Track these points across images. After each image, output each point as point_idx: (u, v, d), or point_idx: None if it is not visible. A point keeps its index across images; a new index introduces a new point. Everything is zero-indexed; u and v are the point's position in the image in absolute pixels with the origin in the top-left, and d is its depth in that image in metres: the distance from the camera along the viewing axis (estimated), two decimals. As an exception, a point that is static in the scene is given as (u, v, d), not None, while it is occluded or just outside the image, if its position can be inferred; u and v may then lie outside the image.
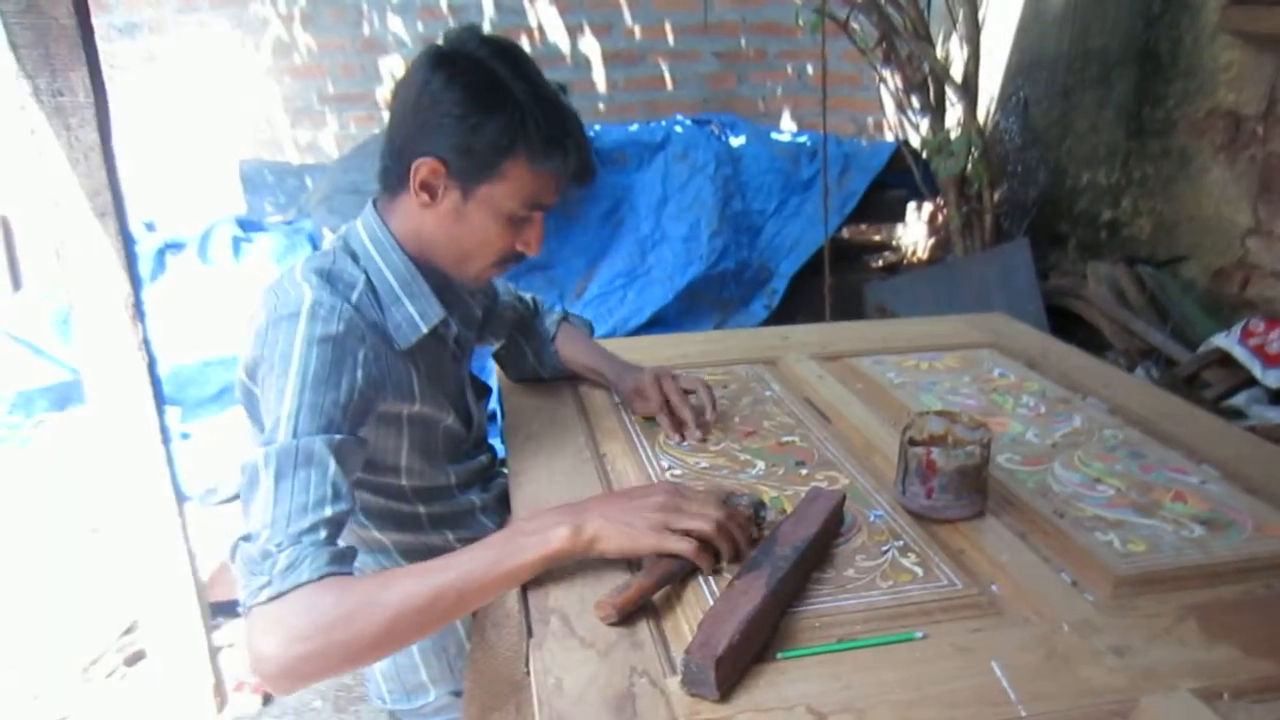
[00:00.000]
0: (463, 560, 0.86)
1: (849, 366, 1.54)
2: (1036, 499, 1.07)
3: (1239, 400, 2.38)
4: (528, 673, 0.85)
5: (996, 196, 3.40)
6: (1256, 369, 2.34)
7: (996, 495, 1.09)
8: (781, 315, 3.16)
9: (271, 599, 0.81)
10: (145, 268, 2.73)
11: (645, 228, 3.13)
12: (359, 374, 0.97)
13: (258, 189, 3.76)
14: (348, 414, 0.95)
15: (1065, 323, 2.95)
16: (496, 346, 1.47)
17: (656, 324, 2.95)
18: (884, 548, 0.98)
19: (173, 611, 1.81)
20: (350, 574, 0.87)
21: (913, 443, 1.08)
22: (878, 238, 4.36)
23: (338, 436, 0.92)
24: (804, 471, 1.15)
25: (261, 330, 0.97)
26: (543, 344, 1.44)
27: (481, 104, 1.00)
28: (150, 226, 3.18)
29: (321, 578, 0.83)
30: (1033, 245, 3.06)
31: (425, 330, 1.10)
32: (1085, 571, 0.95)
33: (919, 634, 0.85)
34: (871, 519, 1.03)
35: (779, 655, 0.81)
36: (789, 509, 1.02)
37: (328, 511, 0.87)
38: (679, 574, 0.90)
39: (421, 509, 1.19)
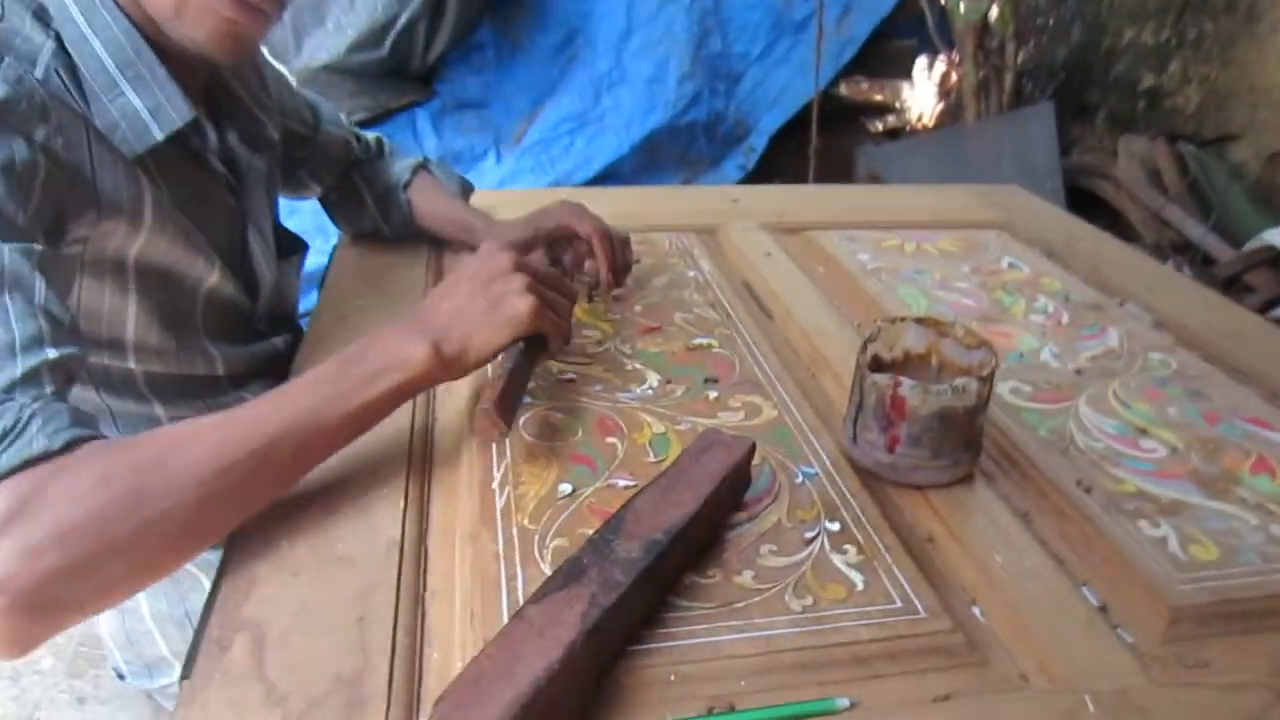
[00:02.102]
0: (289, 402, 0.59)
1: (811, 242, 1.16)
2: (1052, 458, 0.71)
3: (1285, 311, 2.02)
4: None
5: (1021, 55, 2.93)
6: (1312, 274, 1.97)
7: (992, 447, 0.73)
8: (758, 179, 2.76)
9: None
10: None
11: (602, 65, 2.65)
12: (41, 160, 0.60)
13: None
14: (38, 220, 0.60)
15: (1087, 207, 2.56)
16: (319, 192, 1.07)
17: (608, 179, 2.53)
18: (810, 532, 0.62)
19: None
20: (105, 437, 0.54)
21: (876, 365, 0.72)
22: (879, 97, 3.85)
23: (37, 247, 0.58)
24: (713, 395, 0.78)
25: None
26: (389, 191, 1.06)
27: None
28: None
29: (69, 444, 0.51)
30: (1057, 114, 2.63)
31: (159, 135, 0.70)
32: (1122, 589, 0.60)
33: (842, 702, 0.50)
34: (799, 479, 0.67)
35: (594, 739, 0.47)
36: (674, 456, 0.66)
37: (50, 354, 0.55)
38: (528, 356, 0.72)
39: (160, 410, 0.82)
